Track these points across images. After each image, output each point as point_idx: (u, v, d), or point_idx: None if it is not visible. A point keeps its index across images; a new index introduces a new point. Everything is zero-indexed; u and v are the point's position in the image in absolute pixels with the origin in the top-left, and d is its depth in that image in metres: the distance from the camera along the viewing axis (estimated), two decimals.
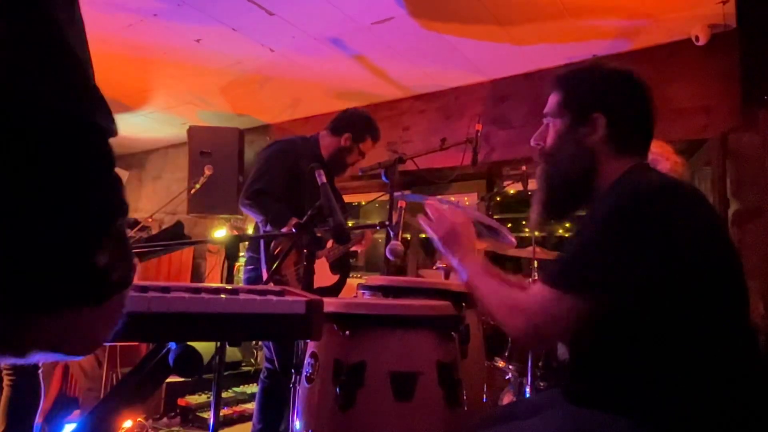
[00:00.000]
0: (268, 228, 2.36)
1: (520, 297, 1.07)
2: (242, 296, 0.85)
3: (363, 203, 4.58)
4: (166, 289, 0.83)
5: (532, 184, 2.70)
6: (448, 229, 1.25)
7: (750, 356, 1.01)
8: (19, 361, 0.39)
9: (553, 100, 1.21)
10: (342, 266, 2.64)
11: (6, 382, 2.39)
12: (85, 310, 0.38)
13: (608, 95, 1.15)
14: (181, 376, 0.78)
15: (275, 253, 2.19)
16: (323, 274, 2.58)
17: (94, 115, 0.38)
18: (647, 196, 1.02)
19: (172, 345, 0.84)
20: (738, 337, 1.01)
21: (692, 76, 2.85)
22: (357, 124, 2.56)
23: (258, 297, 0.86)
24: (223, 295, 0.83)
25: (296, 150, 2.49)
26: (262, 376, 2.49)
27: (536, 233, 2.76)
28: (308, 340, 1.26)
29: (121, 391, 0.89)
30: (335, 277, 2.61)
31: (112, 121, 0.40)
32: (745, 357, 1.00)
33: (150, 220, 4.30)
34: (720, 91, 2.77)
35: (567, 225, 2.76)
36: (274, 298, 0.87)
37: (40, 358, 0.40)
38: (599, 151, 1.13)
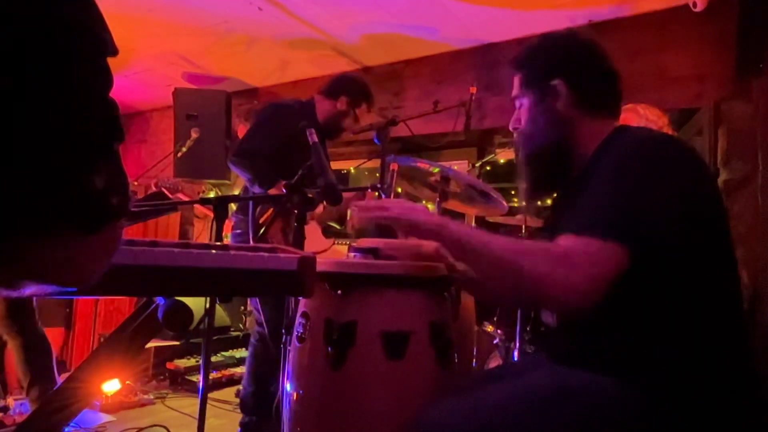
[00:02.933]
0: (256, 189, 2.33)
1: (554, 249, 0.97)
2: (232, 251, 0.83)
3: (352, 170, 4.54)
4: (153, 243, 0.80)
5: None
6: (396, 202, 1.17)
7: (736, 321, 1.02)
8: (13, 294, 0.36)
9: (516, 81, 1.24)
10: (336, 232, 2.64)
11: (16, 343, 2.42)
12: (80, 238, 0.36)
13: (562, 60, 1.17)
14: (171, 331, 0.76)
15: (260, 221, 2.17)
16: (316, 240, 2.56)
17: (93, 23, 0.34)
18: (656, 144, 1.02)
19: (161, 300, 0.82)
20: (727, 301, 1.02)
21: (688, 43, 2.82)
22: (354, 89, 2.53)
23: (248, 253, 0.84)
24: (213, 250, 0.81)
25: (291, 113, 2.45)
26: (252, 339, 2.49)
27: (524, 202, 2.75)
28: (300, 299, 1.25)
29: (108, 348, 0.87)
30: (329, 242, 2.60)
31: (111, 38, 0.37)
32: (732, 321, 1.01)
33: (135, 183, 4.23)
34: (715, 60, 2.74)
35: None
36: (266, 254, 0.85)
37: (33, 291, 0.38)
38: (571, 115, 1.15)
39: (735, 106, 2.65)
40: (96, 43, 0.36)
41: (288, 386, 1.23)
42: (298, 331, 1.20)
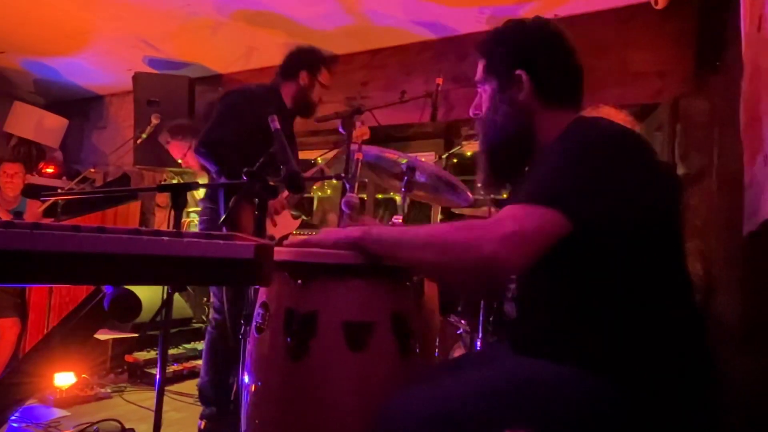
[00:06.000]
0: (223, 180, 2.28)
1: (482, 221, 0.98)
2: (186, 239, 0.79)
3: (319, 160, 4.50)
4: (101, 230, 0.76)
5: None
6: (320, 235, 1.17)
7: (689, 310, 1.04)
8: None
9: (479, 67, 1.23)
10: (301, 208, 2.62)
11: None
12: None
13: (525, 51, 1.16)
14: (117, 320, 0.73)
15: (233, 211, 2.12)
16: (285, 222, 2.54)
17: None
18: (607, 130, 1.04)
19: (109, 289, 0.79)
20: (679, 288, 1.04)
21: (649, 39, 2.88)
22: (308, 59, 2.49)
23: (203, 240, 0.80)
24: (164, 237, 0.78)
25: (255, 99, 2.39)
26: (209, 327, 2.44)
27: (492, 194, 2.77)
28: (259, 289, 1.22)
29: (53, 338, 0.82)
30: (294, 224, 2.57)
31: None
32: (685, 308, 1.03)
33: (92, 171, 4.09)
34: (675, 56, 2.80)
35: None
36: (221, 241, 0.82)
37: None
38: (532, 107, 1.15)
39: (693, 103, 2.72)
40: None
41: (246, 378, 1.20)
42: (257, 322, 1.17)
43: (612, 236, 0.97)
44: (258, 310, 1.19)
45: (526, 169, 1.19)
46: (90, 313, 0.72)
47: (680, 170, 2.72)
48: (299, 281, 1.10)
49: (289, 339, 1.09)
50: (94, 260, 0.70)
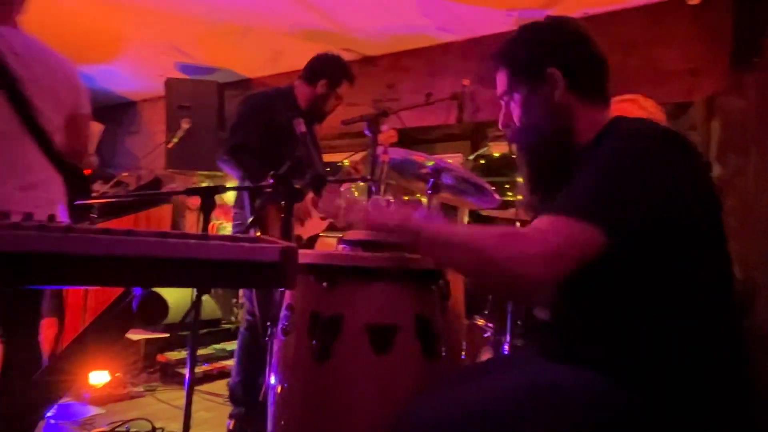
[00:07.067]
0: (247, 184, 2.31)
1: (521, 229, 0.97)
2: (212, 242, 0.81)
3: (346, 162, 4.51)
4: (129, 233, 0.78)
5: None
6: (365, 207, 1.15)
7: (730, 317, 1.00)
8: None
9: (501, 78, 1.18)
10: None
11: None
12: None
13: (553, 48, 1.13)
14: (145, 323, 0.74)
15: (260, 213, 2.15)
16: (313, 223, 2.56)
17: None
18: (651, 135, 1.00)
19: (138, 291, 0.80)
20: (720, 296, 1.00)
21: (682, 36, 2.80)
22: (331, 70, 2.49)
23: (228, 243, 0.81)
24: (191, 240, 0.79)
25: (271, 102, 2.43)
26: (241, 328, 2.48)
27: (519, 197, 2.74)
28: (285, 291, 1.23)
29: (84, 338, 0.85)
30: (323, 224, 2.59)
31: None
32: (725, 318, 0.99)
33: (125, 174, 4.20)
34: (708, 53, 2.72)
35: None
36: (247, 244, 0.83)
37: None
38: (569, 103, 1.11)
39: (728, 101, 2.64)
40: None
41: (272, 379, 1.22)
42: (282, 324, 1.19)
43: (655, 246, 0.94)
44: (284, 312, 1.20)
45: (568, 170, 1.15)
46: (120, 314, 0.74)
47: (716, 170, 2.63)
48: (324, 284, 1.11)
49: (314, 342, 1.10)
50: (122, 263, 0.71)
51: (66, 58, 1.85)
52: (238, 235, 0.95)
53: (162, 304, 0.71)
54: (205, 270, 0.78)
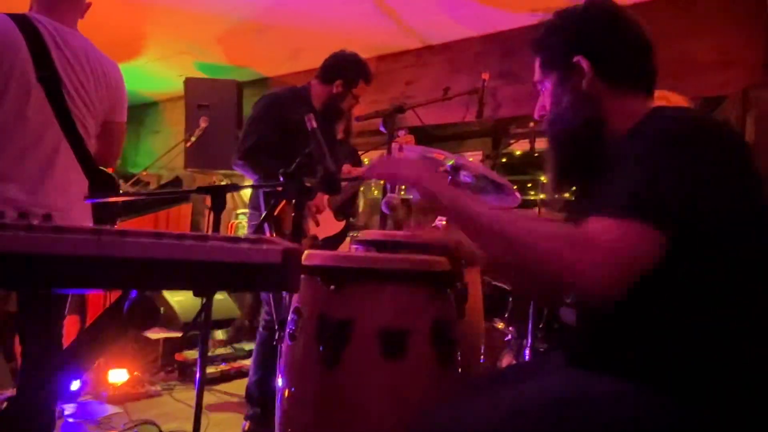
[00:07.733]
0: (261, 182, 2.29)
1: (586, 232, 0.86)
2: (210, 243, 0.76)
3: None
4: (123, 233, 0.74)
5: (540, 143, 2.58)
6: (406, 162, 1.09)
7: None
8: None
9: (536, 66, 1.15)
10: (344, 211, 2.58)
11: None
12: None
13: (580, 35, 1.07)
14: (136, 328, 0.70)
15: (275, 214, 2.12)
16: (329, 223, 2.52)
17: None
18: (700, 124, 0.93)
19: (134, 294, 0.76)
20: (765, 304, 0.92)
21: (714, 27, 2.69)
22: (348, 69, 2.43)
23: (227, 244, 0.77)
24: (188, 241, 0.75)
25: (283, 102, 2.39)
26: (260, 327, 2.46)
27: (542, 196, 2.66)
28: (289, 294, 1.18)
29: (82, 341, 0.81)
30: (341, 224, 2.54)
31: None
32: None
33: (145, 173, 4.22)
34: (742, 44, 2.60)
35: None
36: (247, 245, 0.78)
37: None
38: (598, 93, 1.05)
39: (764, 94, 2.51)
40: None
41: (280, 383, 1.17)
42: (290, 328, 1.14)
43: (706, 239, 0.87)
44: (291, 316, 1.16)
45: (599, 164, 1.08)
46: (112, 318, 0.70)
47: None
48: (332, 287, 1.06)
49: (321, 347, 1.05)
50: (113, 264, 0.67)
51: (115, 66, 1.89)
52: (238, 236, 0.90)
53: (150, 308, 0.67)
54: (202, 272, 0.73)
